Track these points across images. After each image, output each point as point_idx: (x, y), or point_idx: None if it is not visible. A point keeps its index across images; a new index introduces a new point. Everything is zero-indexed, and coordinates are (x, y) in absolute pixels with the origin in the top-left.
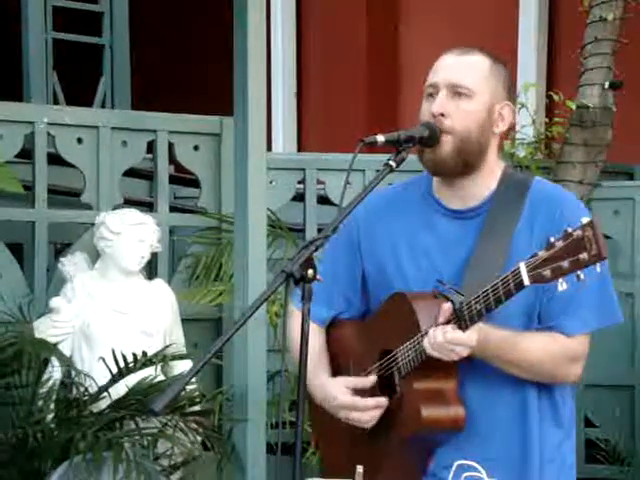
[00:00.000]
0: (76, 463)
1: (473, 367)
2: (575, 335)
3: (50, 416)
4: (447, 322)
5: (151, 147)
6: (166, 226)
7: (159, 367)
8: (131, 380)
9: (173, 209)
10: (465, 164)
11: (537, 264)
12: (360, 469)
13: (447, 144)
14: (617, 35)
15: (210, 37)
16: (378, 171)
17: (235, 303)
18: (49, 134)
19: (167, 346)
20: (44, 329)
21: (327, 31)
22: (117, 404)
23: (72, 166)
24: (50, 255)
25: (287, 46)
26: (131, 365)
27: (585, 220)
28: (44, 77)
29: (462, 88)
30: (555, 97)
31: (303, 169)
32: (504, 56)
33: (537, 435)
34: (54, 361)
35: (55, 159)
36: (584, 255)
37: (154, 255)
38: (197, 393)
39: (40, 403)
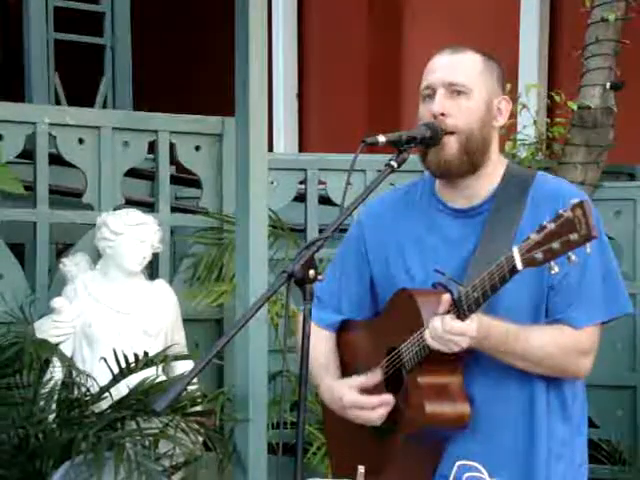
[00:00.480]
0: (77, 463)
1: (479, 362)
2: (583, 327)
3: (51, 416)
4: (447, 312)
5: (152, 147)
6: (167, 226)
7: (160, 367)
8: (132, 380)
9: (174, 209)
10: (470, 162)
11: (529, 247)
12: (362, 469)
13: (451, 143)
14: (618, 36)
15: (211, 37)
16: (379, 171)
17: (236, 303)
18: (50, 134)
19: (168, 346)
20: (45, 329)
21: (328, 31)
22: (118, 404)
23: (73, 166)
24: (51, 255)
25: (288, 46)
26: (132, 365)
27: (575, 201)
28: (45, 77)
29: (459, 86)
30: (556, 98)
31: (304, 169)
32: (505, 56)
33: (544, 430)
34: (55, 361)
35: (56, 159)
36: (574, 235)
37: (155, 255)
38: (198, 393)
39: (41, 403)
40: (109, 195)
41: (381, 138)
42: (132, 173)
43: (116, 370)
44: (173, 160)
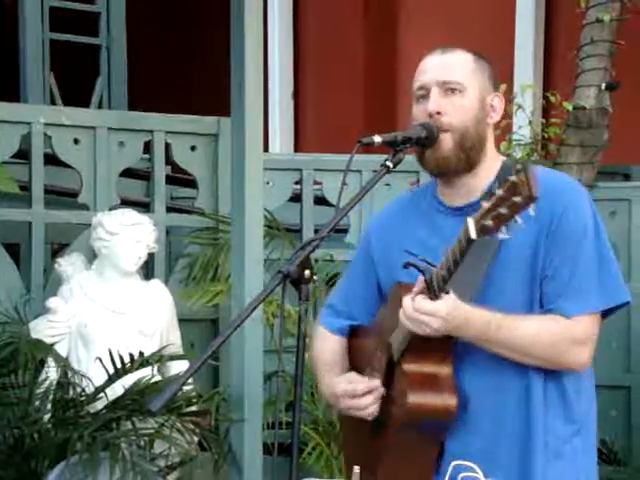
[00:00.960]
0: (73, 463)
1: (470, 352)
2: (576, 316)
3: (47, 416)
4: (420, 293)
5: (148, 147)
6: (163, 226)
7: (156, 367)
8: (128, 380)
9: (170, 209)
10: (467, 159)
11: (481, 216)
12: (357, 469)
13: (447, 142)
14: (613, 37)
15: (207, 37)
16: (375, 172)
17: (232, 303)
18: (46, 134)
19: (164, 346)
20: (41, 329)
21: (324, 32)
22: (114, 404)
23: (69, 166)
24: (47, 255)
25: (284, 47)
26: (128, 365)
27: (519, 166)
28: (41, 77)
29: (453, 83)
30: (552, 98)
31: (300, 170)
32: (501, 57)
33: (541, 427)
34: (50, 361)
35: (52, 159)
36: (518, 198)
37: (151, 255)
38: (194, 393)
39: (37, 403)
40: (104, 195)
41: (377, 138)
42: (128, 173)
43: (111, 370)
44: (169, 160)
